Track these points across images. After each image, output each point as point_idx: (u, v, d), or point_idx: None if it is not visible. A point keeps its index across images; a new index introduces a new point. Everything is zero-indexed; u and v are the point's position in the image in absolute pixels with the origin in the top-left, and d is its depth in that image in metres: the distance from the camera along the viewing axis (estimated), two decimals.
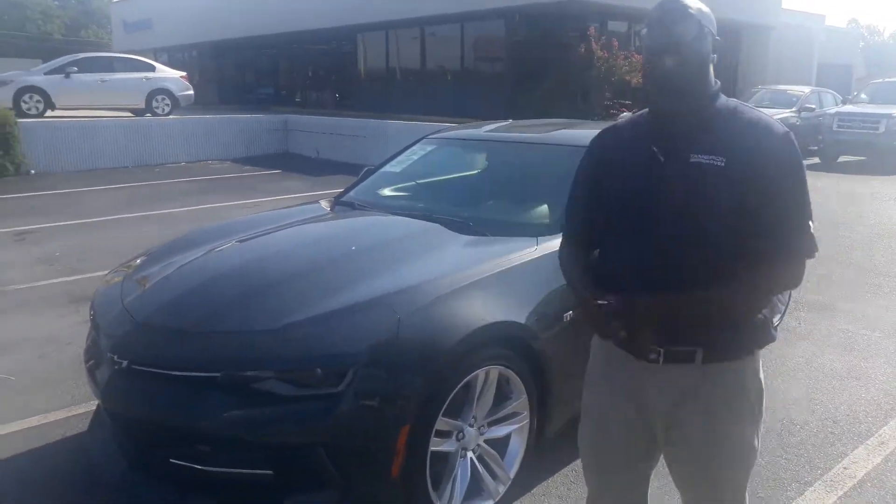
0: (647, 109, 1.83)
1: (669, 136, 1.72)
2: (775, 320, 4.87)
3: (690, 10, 1.67)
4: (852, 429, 3.57)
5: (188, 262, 3.20)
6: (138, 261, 3.47)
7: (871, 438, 3.47)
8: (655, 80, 1.71)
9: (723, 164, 1.64)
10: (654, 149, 1.72)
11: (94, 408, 3.20)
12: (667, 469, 1.94)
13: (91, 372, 2.87)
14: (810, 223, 1.69)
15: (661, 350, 1.74)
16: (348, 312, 2.59)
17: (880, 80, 18.02)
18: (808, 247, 1.69)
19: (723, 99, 1.75)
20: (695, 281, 1.67)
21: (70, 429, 3.50)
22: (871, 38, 60.72)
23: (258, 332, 2.56)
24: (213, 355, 2.52)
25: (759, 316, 1.74)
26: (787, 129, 1.68)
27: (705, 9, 1.71)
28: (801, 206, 1.68)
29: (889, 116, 14.10)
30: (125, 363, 2.60)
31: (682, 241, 1.68)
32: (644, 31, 1.72)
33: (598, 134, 1.96)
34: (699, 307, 1.68)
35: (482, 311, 2.75)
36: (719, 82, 1.76)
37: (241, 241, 3.43)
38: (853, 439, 3.46)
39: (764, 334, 1.77)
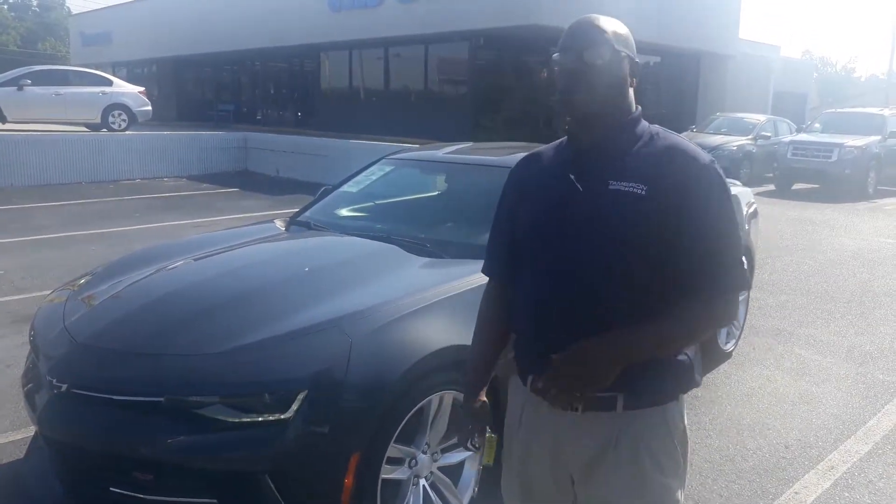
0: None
1: (587, 162, 1.62)
2: (729, 346, 4.91)
3: (602, 34, 1.58)
4: (803, 454, 3.59)
5: (134, 282, 3.10)
6: (83, 280, 3.36)
7: (821, 463, 3.49)
8: (567, 106, 1.62)
9: (643, 192, 1.54)
10: (572, 176, 1.62)
11: (33, 434, 3.06)
12: None
13: (29, 396, 2.75)
14: (743, 258, 1.60)
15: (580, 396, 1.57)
16: (298, 336, 2.53)
17: (833, 110, 18.57)
18: (735, 280, 1.57)
19: (644, 125, 1.66)
20: (613, 318, 1.55)
21: (6, 455, 3.34)
22: (824, 69, 62.70)
23: (204, 355, 2.48)
24: (157, 379, 2.43)
25: (683, 357, 1.63)
26: (711, 157, 1.60)
27: (621, 30, 1.63)
28: (726, 238, 1.57)
29: (841, 146, 14.50)
30: (64, 387, 2.50)
31: (601, 275, 1.56)
32: (555, 55, 1.62)
33: (519, 161, 1.85)
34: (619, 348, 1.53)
35: (437, 334, 2.71)
36: (640, 108, 1.68)
37: (190, 261, 3.34)
38: (804, 464, 3.48)
39: (688, 378, 1.65)
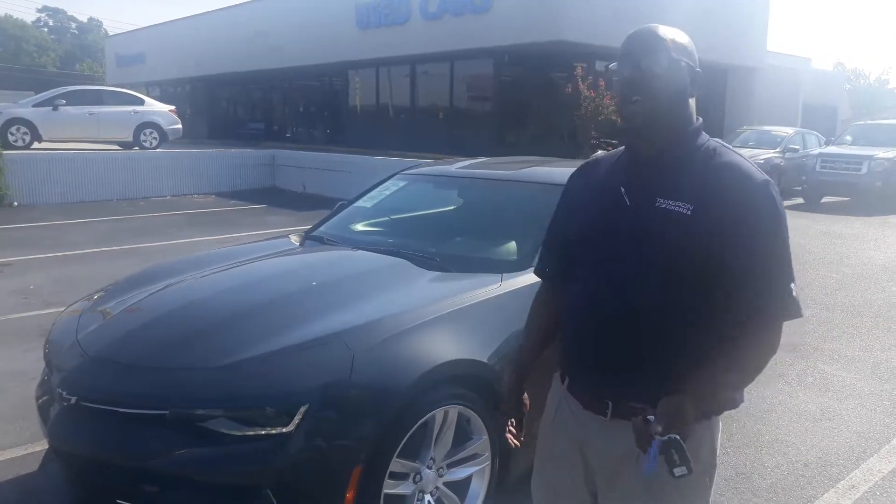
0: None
1: (638, 177, 1.61)
2: None
3: (661, 42, 1.55)
4: (823, 472, 3.51)
5: (146, 296, 3.15)
6: (98, 294, 3.42)
7: (842, 482, 3.41)
8: (624, 115, 1.60)
9: (689, 213, 1.51)
10: (622, 190, 1.61)
11: (47, 446, 3.11)
12: None
13: (42, 409, 2.81)
14: (792, 285, 1.51)
15: (610, 403, 1.62)
16: (301, 349, 2.54)
17: (863, 122, 18.25)
18: (784, 308, 1.51)
19: (704, 138, 1.62)
20: (652, 334, 1.56)
21: (25, 467, 3.40)
22: (856, 81, 61.72)
23: (208, 368, 2.50)
24: (162, 392, 2.46)
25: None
26: (767, 177, 1.54)
27: (682, 39, 1.59)
28: (776, 263, 1.51)
29: (871, 158, 14.24)
30: (74, 399, 2.54)
31: (640, 293, 1.55)
32: (613, 64, 1.61)
33: (577, 169, 1.86)
34: (655, 365, 1.56)
35: (442, 348, 2.71)
36: (701, 119, 1.64)
37: (201, 276, 3.38)
38: (823, 483, 3.40)
39: (725, 400, 1.62)
